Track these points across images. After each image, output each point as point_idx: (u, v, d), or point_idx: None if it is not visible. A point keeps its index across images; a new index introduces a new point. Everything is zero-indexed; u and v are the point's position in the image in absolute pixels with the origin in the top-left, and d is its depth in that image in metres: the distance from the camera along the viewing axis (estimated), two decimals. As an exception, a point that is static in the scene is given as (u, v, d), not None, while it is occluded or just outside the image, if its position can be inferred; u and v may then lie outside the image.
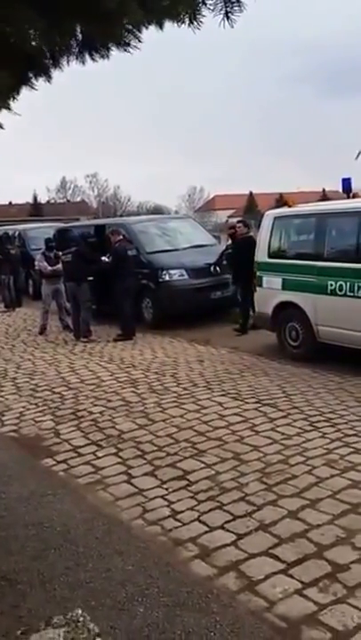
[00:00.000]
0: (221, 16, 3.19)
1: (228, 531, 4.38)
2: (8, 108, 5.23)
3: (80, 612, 2.45)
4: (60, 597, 3.58)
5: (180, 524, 4.55)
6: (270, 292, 9.90)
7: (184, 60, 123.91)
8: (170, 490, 5.12)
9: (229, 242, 13.61)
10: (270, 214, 10.44)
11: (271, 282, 9.88)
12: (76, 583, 3.80)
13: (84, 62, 3.96)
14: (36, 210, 62.97)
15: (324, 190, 59.85)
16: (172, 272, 12.79)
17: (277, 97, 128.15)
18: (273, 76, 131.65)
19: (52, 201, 75.50)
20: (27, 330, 13.84)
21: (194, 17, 3.30)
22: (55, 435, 6.68)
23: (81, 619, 2.43)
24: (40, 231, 19.18)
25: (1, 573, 3.95)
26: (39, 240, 16.03)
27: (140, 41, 3.67)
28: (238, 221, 13.57)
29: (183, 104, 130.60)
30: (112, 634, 3.24)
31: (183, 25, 3.38)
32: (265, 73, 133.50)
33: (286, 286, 9.56)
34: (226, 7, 3.17)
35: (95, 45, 3.76)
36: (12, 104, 5.18)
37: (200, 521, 4.56)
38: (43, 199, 73.05)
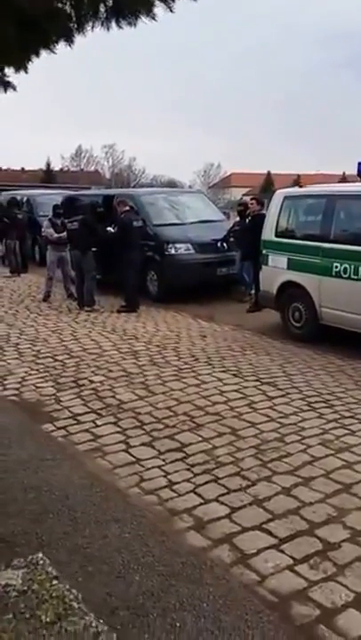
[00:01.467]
0: None
1: (222, 504, 4.46)
2: (25, 70, 5.21)
3: (41, 555, 2.53)
4: (57, 562, 3.65)
5: (175, 494, 4.62)
6: (275, 271, 9.92)
7: (211, 38, 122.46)
8: (167, 461, 5.19)
9: (238, 219, 13.59)
10: (280, 193, 10.43)
11: (277, 261, 9.90)
12: (74, 548, 3.87)
13: (108, 28, 3.95)
14: (48, 177, 62.38)
15: (344, 174, 59.17)
16: (178, 246, 12.77)
17: (302, 78, 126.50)
18: (301, 60, 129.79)
19: (66, 169, 74.89)
20: (31, 296, 13.88)
21: None
22: (56, 401, 6.75)
23: (41, 562, 2.51)
24: (49, 197, 19.05)
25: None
26: (47, 206, 15.93)
27: (171, 11, 3.65)
28: (252, 198, 13.52)
29: (208, 80, 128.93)
30: (108, 600, 3.32)
31: None
32: (291, 54, 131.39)
33: (291, 266, 9.58)
34: None
35: (124, 12, 3.74)
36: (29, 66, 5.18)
37: (195, 493, 4.63)
38: (56, 166, 72.54)
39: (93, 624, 2.15)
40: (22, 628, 2.08)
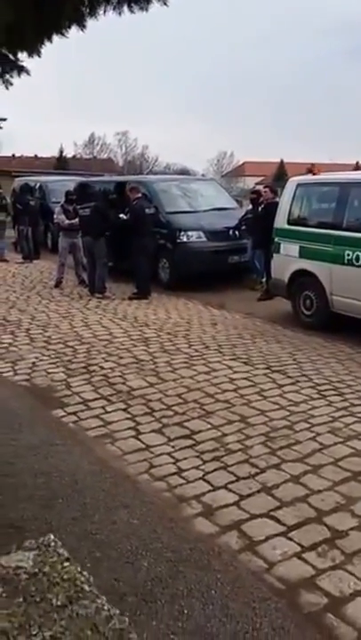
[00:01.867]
0: None
1: (231, 491, 4.47)
2: (38, 54, 5.20)
3: (52, 537, 2.53)
4: (66, 548, 3.67)
5: (184, 481, 4.63)
6: (287, 260, 9.89)
7: (227, 24, 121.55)
8: (176, 448, 5.20)
9: (250, 207, 13.53)
10: (293, 181, 10.37)
11: (289, 249, 9.86)
12: (83, 534, 3.88)
13: (120, 13, 3.93)
14: (61, 164, 62.25)
15: (357, 163, 58.65)
16: (190, 233, 12.74)
17: (317, 66, 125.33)
18: (313, 47, 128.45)
19: (79, 156, 74.70)
20: (42, 282, 13.89)
21: None
22: (66, 387, 6.77)
23: (52, 543, 2.50)
24: (61, 184, 18.96)
25: (9, 520, 4.03)
26: (60, 193, 15.86)
27: None
28: (265, 186, 13.46)
29: (220, 69, 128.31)
30: (117, 586, 3.33)
31: None
32: (305, 43, 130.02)
33: (303, 254, 9.54)
34: None
35: None
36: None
37: (204, 480, 4.64)
38: (69, 153, 72.34)
39: (105, 607, 2.14)
40: (32, 611, 2.07)
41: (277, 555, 3.69)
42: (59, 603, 2.14)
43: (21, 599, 2.15)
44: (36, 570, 2.34)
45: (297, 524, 4.02)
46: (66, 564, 2.39)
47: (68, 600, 2.16)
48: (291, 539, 3.86)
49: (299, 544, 3.80)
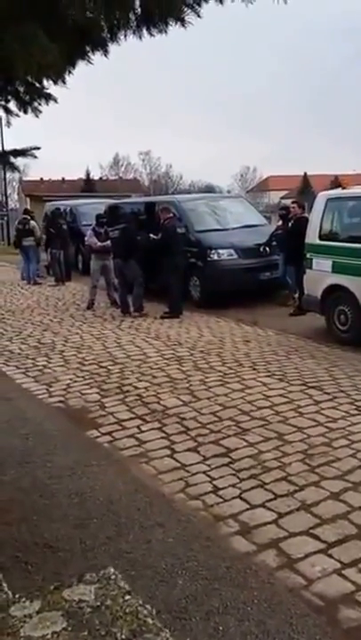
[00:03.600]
0: None
1: (269, 509, 4.39)
2: (63, 82, 5.26)
3: (112, 570, 2.50)
4: (100, 566, 3.63)
5: (221, 500, 4.57)
6: (320, 275, 9.79)
7: (240, 36, 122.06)
8: (212, 466, 5.14)
9: (280, 223, 13.49)
10: (323, 195, 10.31)
11: (321, 264, 9.77)
12: (117, 553, 3.85)
13: (141, 37, 3.95)
14: (88, 186, 63.03)
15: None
16: (220, 251, 12.75)
17: (337, 77, 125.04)
18: (333, 55, 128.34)
19: (105, 177, 75.77)
20: (75, 304, 13.99)
21: None
22: (101, 407, 6.76)
23: (113, 576, 2.47)
24: (91, 207, 19.20)
25: (44, 540, 4.04)
26: (90, 216, 16.11)
27: (199, 16, 3.64)
28: (293, 202, 13.44)
29: (237, 83, 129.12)
30: (151, 604, 3.28)
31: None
32: (324, 52, 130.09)
33: (336, 269, 9.44)
34: None
35: (154, 20, 3.74)
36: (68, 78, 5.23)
37: (241, 498, 4.57)
38: (95, 175, 73.32)
39: (170, 641, 2.11)
40: None
41: (316, 572, 3.62)
42: (123, 636, 2.11)
43: (87, 632, 2.12)
44: (99, 603, 2.30)
45: (337, 540, 3.94)
46: (127, 597, 2.36)
47: (132, 634, 2.13)
48: (331, 556, 3.77)
49: (339, 561, 3.71)
